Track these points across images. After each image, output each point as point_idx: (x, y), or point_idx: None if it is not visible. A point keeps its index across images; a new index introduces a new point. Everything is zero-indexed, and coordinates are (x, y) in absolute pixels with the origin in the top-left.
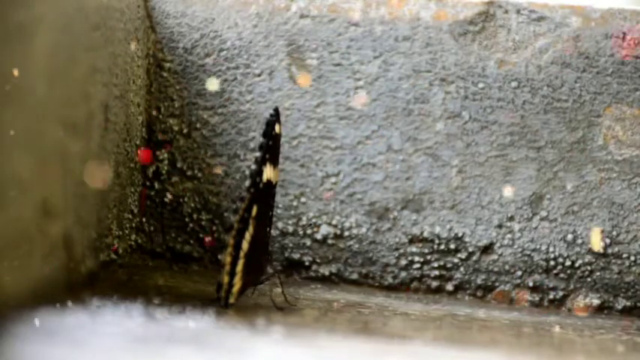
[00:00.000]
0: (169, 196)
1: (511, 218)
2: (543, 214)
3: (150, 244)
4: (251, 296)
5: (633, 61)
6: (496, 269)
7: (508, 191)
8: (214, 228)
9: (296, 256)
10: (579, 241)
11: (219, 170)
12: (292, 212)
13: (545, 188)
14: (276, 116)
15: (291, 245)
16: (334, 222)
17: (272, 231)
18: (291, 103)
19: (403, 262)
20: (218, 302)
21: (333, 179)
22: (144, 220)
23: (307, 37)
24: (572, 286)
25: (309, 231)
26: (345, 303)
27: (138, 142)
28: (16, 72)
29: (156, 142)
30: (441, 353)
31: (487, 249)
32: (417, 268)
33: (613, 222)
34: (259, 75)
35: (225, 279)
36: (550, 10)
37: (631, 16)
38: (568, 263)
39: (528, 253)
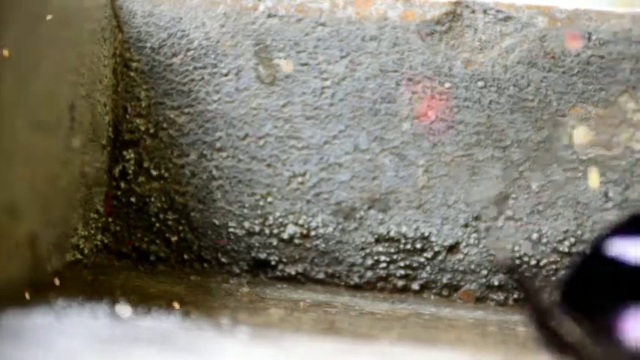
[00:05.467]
0: (135, 196)
1: (477, 218)
2: (509, 213)
3: (116, 244)
4: (217, 296)
5: (598, 61)
6: (462, 268)
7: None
8: (180, 228)
9: (262, 255)
10: (544, 240)
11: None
12: (259, 212)
13: (511, 188)
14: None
15: (257, 245)
16: (301, 222)
17: (238, 231)
18: (258, 103)
19: (369, 261)
20: None
21: (299, 179)
22: (110, 220)
23: (275, 37)
24: (537, 285)
25: (275, 230)
26: (311, 302)
27: (104, 142)
28: None
29: (122, 142)
30: (407, 352)
31: (453, 248)
32: (383, 268)
33: (578, 221)
34: (226, 75)
35: None
36: (516, 10)
37: (597, 16)
38: (533, 262)
39: (494, 252)
